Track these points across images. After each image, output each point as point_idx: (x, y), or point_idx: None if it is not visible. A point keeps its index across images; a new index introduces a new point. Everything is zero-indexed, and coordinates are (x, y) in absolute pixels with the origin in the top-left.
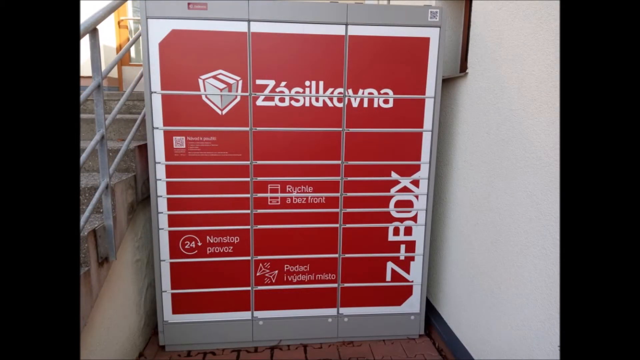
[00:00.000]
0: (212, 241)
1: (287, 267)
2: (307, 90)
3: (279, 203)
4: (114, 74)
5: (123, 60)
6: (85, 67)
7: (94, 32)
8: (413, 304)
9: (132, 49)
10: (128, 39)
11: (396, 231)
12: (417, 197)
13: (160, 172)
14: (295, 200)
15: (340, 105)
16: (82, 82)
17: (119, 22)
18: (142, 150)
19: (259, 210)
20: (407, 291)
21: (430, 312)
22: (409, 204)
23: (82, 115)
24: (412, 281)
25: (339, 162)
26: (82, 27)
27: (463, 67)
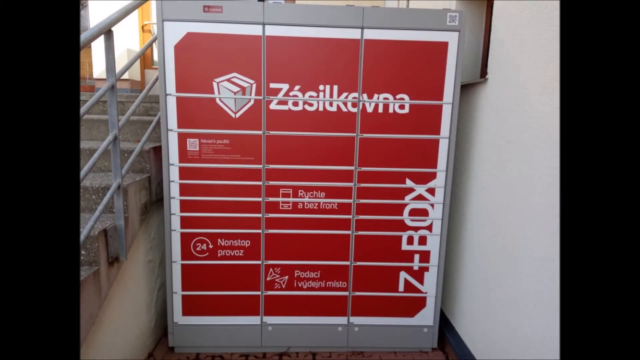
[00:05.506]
0: (223, 244)
1: (297, 272)
2: (321, 94)
3: (290, 208)
4: (137, 77)
5: (146, 63)
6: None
7: (109, 34)
8: (426, 316)
9: (155, 53)
10: None
11: (410, 240)
12: (432, 205)
13: (174, 173)
14: (307, 206)
15: (354, 110)
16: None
17: (142, 27)
18: (157, 152)
19: (271, 215)
20: (421, 302)
21: (444, 325)
22: (424, 212)
23: (101, 117)
24: (425, 292)
25: (352, 167)
26: (96, 29)
27: (483, 72)
